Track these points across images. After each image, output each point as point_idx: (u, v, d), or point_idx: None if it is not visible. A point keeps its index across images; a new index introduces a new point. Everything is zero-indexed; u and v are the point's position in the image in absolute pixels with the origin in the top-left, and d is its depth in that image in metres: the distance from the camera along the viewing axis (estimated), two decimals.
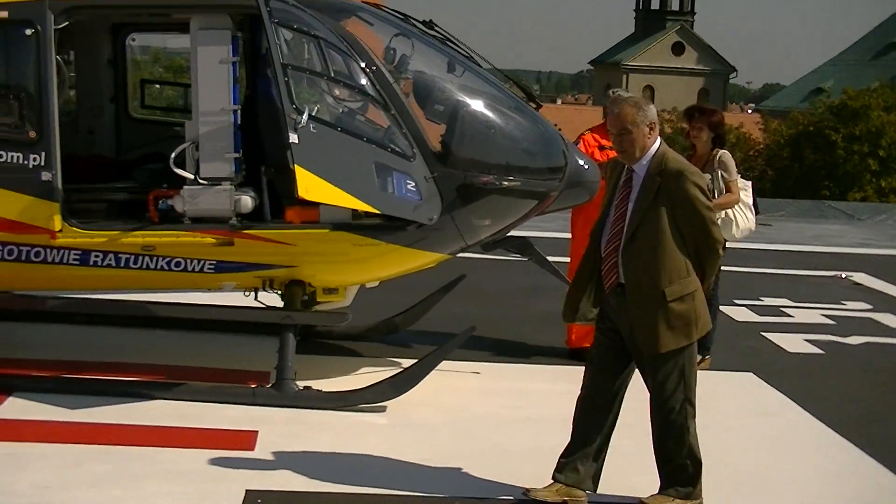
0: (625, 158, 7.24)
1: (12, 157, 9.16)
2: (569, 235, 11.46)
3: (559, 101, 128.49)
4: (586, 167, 9.94)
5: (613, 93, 10.97)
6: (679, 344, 7.16)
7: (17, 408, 8.98)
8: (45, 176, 9.14)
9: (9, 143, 9.18)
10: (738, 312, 14.23)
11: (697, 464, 7.37)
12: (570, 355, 11.22)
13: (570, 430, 7.54)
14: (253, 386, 9.50)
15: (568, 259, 11.37)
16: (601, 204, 7.58)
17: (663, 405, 7.30)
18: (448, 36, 10.12)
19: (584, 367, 7.63)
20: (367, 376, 9.90)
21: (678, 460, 7.34)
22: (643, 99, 7.56)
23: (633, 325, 7.22)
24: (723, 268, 9.90)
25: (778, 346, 12.71)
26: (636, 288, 7.15)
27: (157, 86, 21.64)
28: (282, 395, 9.35)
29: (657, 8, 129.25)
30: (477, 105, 9.71)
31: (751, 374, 11.32)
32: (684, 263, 7.13)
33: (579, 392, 7.55)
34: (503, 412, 9.56)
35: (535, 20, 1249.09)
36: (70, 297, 10.42)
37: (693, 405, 7.32)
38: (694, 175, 7.15)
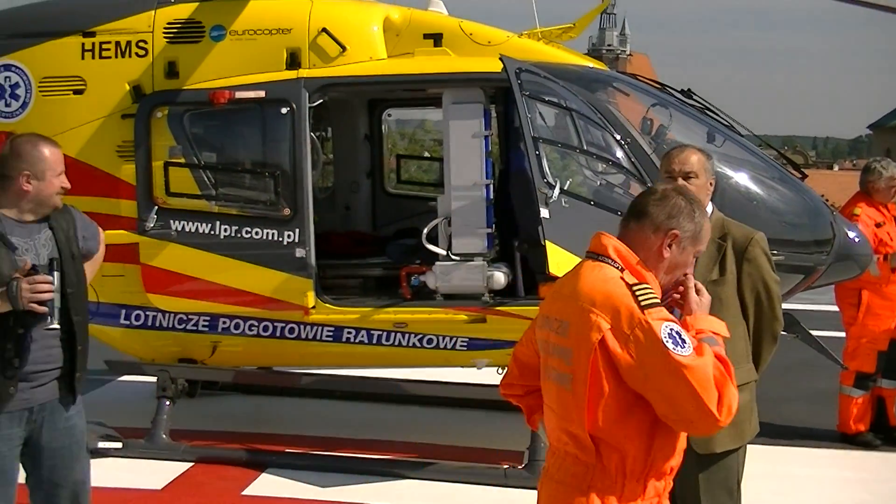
0: None
1: (268, 234, 9.29)
2: (836, 308, 10.87)
3: (836, 168, 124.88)
4: (856, 239, 9.40)
5: (881, 164, 10.45)
6: (735, 443, 5.97)
7: (269, 485, 8.99)
8: (300, 253, 9.23)
9: (265, 220, 9.33)
10: None
11: None
12: (842, 439, 10.52)
13: None
14: (505, 467, 9.27)
15: (840, 333, 10.80)
16: None
17: None
18: (707, 105, 9.84)
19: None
20: None
21: None
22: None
23: None
24: None
25: None
26: None
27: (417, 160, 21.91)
28: (534, 476, 9.06)
29: None
30: (738, 176, 9.37)
31: None
32: (746, 346, 6.01)
33: None
34: (767, 498, 8.99)
35: (812, 85, 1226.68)
36: (324, 374, 10.44)
37: None
38: (763, 241, 6.04)
